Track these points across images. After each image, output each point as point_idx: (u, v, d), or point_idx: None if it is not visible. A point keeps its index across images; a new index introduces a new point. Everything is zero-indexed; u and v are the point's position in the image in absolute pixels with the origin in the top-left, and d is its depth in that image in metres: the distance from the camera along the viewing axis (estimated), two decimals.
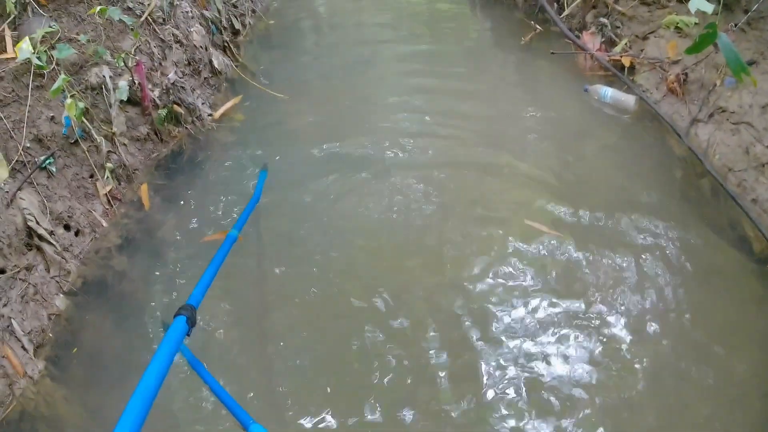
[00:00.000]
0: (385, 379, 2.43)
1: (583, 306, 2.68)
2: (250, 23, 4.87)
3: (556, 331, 2.60)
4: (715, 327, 2.57)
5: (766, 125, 3.21)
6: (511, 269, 2.87)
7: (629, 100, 3.87)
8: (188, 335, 1.61)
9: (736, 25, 3.29)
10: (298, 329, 2.66)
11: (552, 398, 2.34)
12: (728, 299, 2.71)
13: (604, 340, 2.54)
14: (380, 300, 2.74)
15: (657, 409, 2.29)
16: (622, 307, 2.67)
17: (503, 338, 2.57)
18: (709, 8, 2.80)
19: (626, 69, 4.02)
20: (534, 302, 2.71)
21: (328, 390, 2.42)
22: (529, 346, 2.53)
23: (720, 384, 2.35)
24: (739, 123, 3.37)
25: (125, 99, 3.18)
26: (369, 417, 2.29)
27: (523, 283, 2.80)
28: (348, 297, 2.78)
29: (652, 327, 2.57)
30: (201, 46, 3.80)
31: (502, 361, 2.48)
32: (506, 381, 2.40)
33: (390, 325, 2.63)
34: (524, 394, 2.36)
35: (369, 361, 2.49)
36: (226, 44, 4.22)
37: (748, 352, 2.47)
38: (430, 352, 2.52)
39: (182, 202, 3.31)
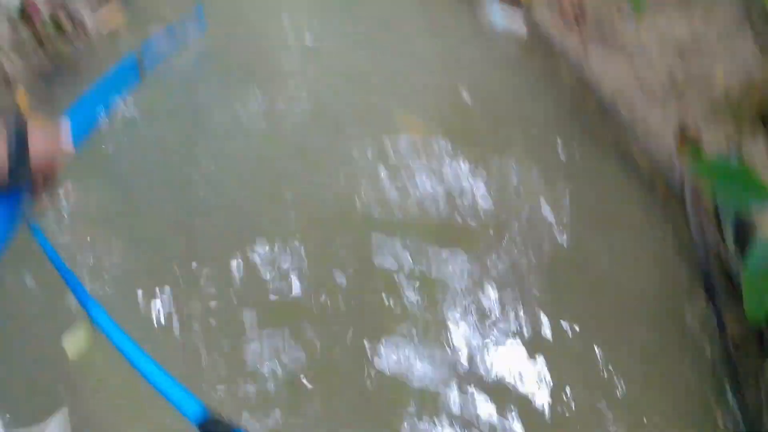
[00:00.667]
0: None
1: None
2: None
3: None
4: (597, 243, 2.50)
5: (660, 57, 3.18)
6: None
7: (521, 24, 3.67)
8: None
9: None
10: None
11: None
12: (610, 212, 2.69)
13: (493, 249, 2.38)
14: None
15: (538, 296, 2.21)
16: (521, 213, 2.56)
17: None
18: None
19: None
20: None
21: None
22: None
23: (613, 297, 2.28)
24: (633, 54, 3.29)
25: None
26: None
27: None
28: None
29: (529, 228, 2.49)
30: None
31: None
32: None
33: None
34: None
35: None
36: None
37: (629, 266, 2.42)
38: None
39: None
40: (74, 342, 2.00)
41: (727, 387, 1.95)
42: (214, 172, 2.70)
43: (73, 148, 1.06)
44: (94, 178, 2.51)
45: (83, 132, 1.15)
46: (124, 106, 2.85)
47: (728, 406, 1.93)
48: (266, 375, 1.96)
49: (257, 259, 2.32)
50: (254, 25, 3.59)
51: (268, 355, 2.01)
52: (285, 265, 2.29)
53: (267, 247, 2.35)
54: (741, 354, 2.02)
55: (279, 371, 1.97)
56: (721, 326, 2.12)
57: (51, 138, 0.96)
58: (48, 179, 0.98)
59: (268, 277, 2.26)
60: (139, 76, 1.56)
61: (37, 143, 0.90)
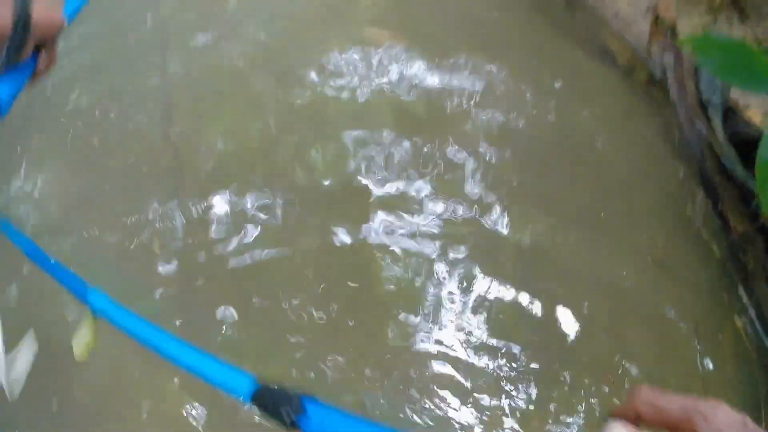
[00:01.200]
0: None
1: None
2: None
3: None
4: (587, 139, 2.40)
5: None
6: None
7: None
8: None
9: None
10: None
11: None
12: (596, 108, 2.54)
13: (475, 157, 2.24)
14: None
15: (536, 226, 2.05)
16: (489, 117, 2.39)
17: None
18: None
19: None
20: None
21: None
22: None
23: (599, 197, 2.16)
24: None
25: None
26: None
27: None
28: None
29: (517, 139, 2.33)
30: None
31: None
32: None
33: None
34: None
35: None
36: None
37: (625, 164, 2.33)
38: None
39: None
40: (79, 340, 1.88)
41: (739, 286, 1.93)
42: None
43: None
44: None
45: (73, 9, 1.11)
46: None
47: (742, 305, 1.93)
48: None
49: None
50: None
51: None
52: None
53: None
54: (748, 250, 2.01)
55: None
56: (725, 222, 2.12)
57: (53, 7, 0.95)
58: (48, 49, 0.97)
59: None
60: None
61: (41, 10, 0.89)
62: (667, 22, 2.71)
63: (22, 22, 0.86)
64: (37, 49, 0.95)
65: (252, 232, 2.00)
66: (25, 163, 2.18)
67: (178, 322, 1.81)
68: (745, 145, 2.19)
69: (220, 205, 2.07)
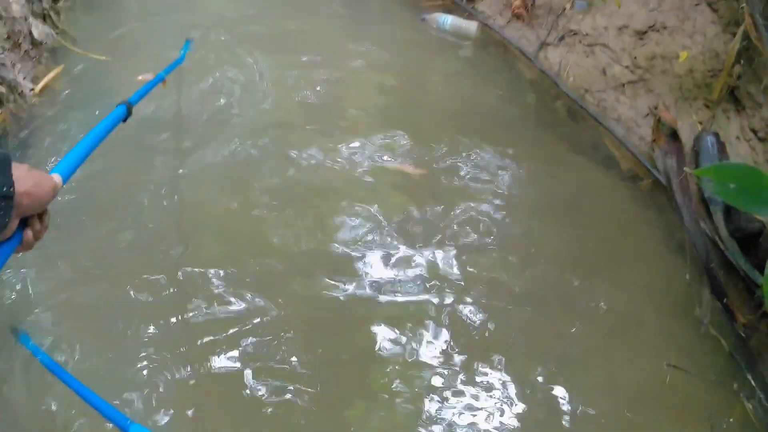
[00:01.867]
0: None
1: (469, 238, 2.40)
2: None
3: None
4: (594, 247, 2.43)
5: (622, 46, 3.14)
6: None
7: (471, 25, 3.64)
8: (124, 121, 1.59)
9: None
10: None
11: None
12: (603, 219, 2.58)
13: (483, 267, 2.27)
14: None
15: (546, 333, 2.07)
16: (502, 233, 2.43)
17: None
18: None
19: None
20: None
21: None
22: None
23: (612, 305, 2.18)
24: (593, 45, 3.27)
25: None
26: None
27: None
28: None
29: (530, 252, 2.36)
30: (21, 17, 3.51)
31: None
32: None
33: None
34: None
35: None
36: (45, 12, 3.84)
37: (634, 271, 2.34)
38: None
39: None
40: None
41: (747, 372, 1.97)
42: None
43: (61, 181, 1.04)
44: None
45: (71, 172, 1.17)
46: None
47: (751, 389, 1.93)
48: None
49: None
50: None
51: None
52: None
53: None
54: (753, 337, 2.04)
55: None
56: (731, 314, 2.10)
57: (36, 173, 0.92)
58: (35, 221, 0.95)
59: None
60: (126, 119, 1.62)
61: (22, 173, 0.87)
62: (667, 123, 2.74)
63: (3, 203, 0.83)
64: (24, 222, 0.93)
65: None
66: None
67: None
68: (747, 238, 2.20)
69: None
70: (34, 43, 3.60)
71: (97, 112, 3.02)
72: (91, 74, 3.42)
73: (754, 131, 2.42)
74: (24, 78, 3.32)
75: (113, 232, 2.30)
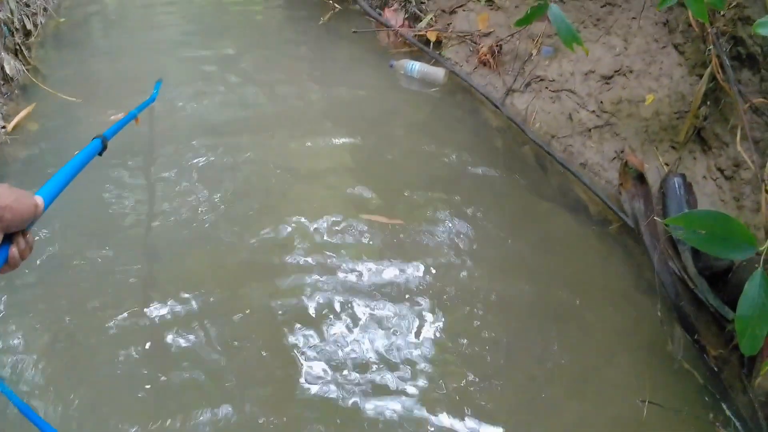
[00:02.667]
0: None
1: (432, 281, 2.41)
2: (41, 22, 4.55)
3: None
4: (565, 294, 2.41)
5: (589, 91, 3.17)
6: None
7: (438, 72, 3.65)
8: (100, 155, 1.65)
9: None
10: None
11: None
12: (572, 264, 2.57)
13: (457, 316, 2.27)
14: None
15: (518, 379, 2.06)
16: (472, 285, 2.40)
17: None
18: None
19: (432, 44, 3.78)
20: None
21: None
22: None
23: (583, 349, 2.18)
24: (559, 90, 3.29)
25: None
26: None
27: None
28: None
29: (500, 301, 2.35)
30: None
31: None
32: None
33: None
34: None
35: None
36: (17, 46, 3.90)
37: (605, 313, 2.34)
38: None
39: None
40: None
41: (723, 404, 1.97)
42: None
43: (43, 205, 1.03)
44: None
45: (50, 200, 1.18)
46: None
47: (726, 417, 1.93)
48: None
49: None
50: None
51: None
52: None
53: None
54: (724, 369, 2.04)
55: None
56: (703, 349, 2.10)
57: (17, 190, 0.94)
58: (19, 239, 0.97)
59: None
60: (102, 153, 1.69)
61: (3, 189, 0.89)
62: (634, 167, 2.72)
63: None
64: (9, 239, 0.94)
65: None
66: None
67: None
68: (716, 275, 2.18)
69: None
70: (6, 79, 3.63)
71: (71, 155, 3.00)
72: (63, 115, 3.44)
73: (721, 170, 2.41)
74: None
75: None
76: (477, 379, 2.02)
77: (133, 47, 4.42)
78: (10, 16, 3.95)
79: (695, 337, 2.11)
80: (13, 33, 3.93)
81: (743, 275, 2.00)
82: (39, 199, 1.01)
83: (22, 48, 3.97)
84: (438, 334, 2.16)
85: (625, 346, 2.20)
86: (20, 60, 3.88)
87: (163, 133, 3.23)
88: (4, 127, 3.25)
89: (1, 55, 3.63)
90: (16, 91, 3.63)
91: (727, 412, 1.94)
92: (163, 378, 1.96)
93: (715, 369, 2.04)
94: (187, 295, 2.23)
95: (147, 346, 2.06)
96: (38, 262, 2.34)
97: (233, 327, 2.14)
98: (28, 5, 4.40)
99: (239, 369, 2.00)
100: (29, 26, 4.26)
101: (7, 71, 3.61)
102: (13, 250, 0.95)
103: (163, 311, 2.18)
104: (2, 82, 3.59)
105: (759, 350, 1.53)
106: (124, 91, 3.62)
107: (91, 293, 2.25)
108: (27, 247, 0.98)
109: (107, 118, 3.08)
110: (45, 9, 4.78)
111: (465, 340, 2.16)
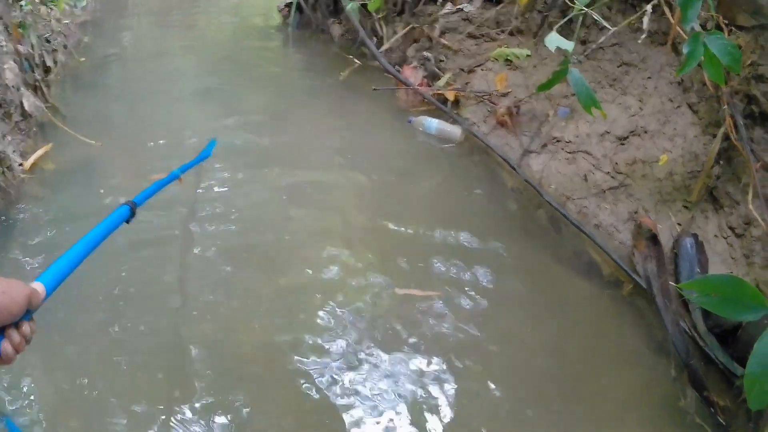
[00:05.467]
0: None
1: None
2: (61, 60, 4.74)
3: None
4: (579, 357, 2.43)
5: (604, 152, 3.23)
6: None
7: (455, 130, 3.77)
8: (127, 222, 1.60)
9: (579, 59, 3.36)
10: None
11: None
12: (586, 327, 2.60)
13: (470, 382, 2.28)
14: None
15: None
16: (485, 349, 2.42)
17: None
18: (570, 46, 2.71)
19: (450, 103, 3.91)
20: None
21: None
22: None
23: (597, 410, 2.21)
24: (575, 152, 3.36)
25: None
26: None
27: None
28: None
29: (514, 368, 2.35)
30: (13, 86, 3.66)
31: None
32: None
33: None
34: None
35: None
36: (37, 84, 4.02)
37: (619, 374, 2.36)
38: None
39: None
40: None
41: None
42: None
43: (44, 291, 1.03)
44: None
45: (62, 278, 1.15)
46: None
47: None
48: None
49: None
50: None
51: None
52: None
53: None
54: (734, 424, 2.07)
55: None
56: (711, 404, 2.12)
57: (5, 281, 0.92)
58: (13, 331, 0.94)
59: None
60: (129, 221, 1.65)
61: None
62: (647, 228, 2.76)
63: None
64: (1, 332, 0.93)
65: None
66: None
67: None
68: (726, 333, 2.23)
69: None
70: (24, 116, 3.70)
71: (86, 200, 3.14)
72: (81, 157, 3.53)
73: (732, 228, 2.44)
74: (13, 151, 3.39)
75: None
76: None
77: (151, 94, 4.57)
78: (31, 50, 4.08)
79: (704, 393, 2.14)
80: (33, 69, 4.05)
81: (752, 332, 2.04)
82: (38, 287, 1.00)
83: (42, 85, 4.08)
84: (450, 400, 2.18)
85: (638, 404, 2.22)
86: (39, 97, 3.97)
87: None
88: (21, 165, 3.32)
89: (21, 90, 3.71)
90: (34, 129, 3.74)
91: None
92: None
93: (724, 423, 2.06)
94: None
95: None
96: None
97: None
98: (48, 41, 4.55)
99: None
100: (49, 63, 4.39)
101: (26, 107, 3.68)
102: (5, 346, 0.92)
103: None
104: (21, 119, 3.65)
105: (766, 405, 1.57)
106: (141, 137, 3.74)
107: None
108: (22, 340, 0.95)
109: (149, 177, 3.03)
110: (65, 46, 4.96)
111: (478, 406, 2.17)
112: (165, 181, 2.26)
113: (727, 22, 2.67)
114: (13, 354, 0.93)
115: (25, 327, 0.96)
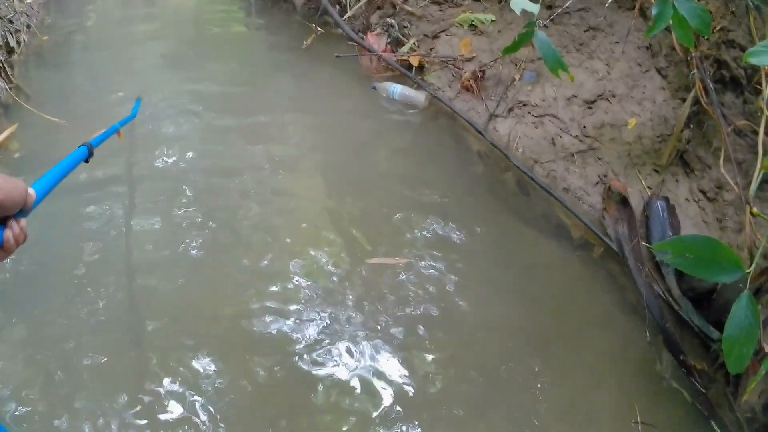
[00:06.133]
0: None
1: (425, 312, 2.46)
2: (24, 40, 4.60)
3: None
4: (552, 320, 2.48)
5: (572, 116, 3.25)
6: None
7: (419, 95, 3.75)
8: (86, 162, 1.68)
9: (545, 23, 3.35)
10: None
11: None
12: (558, 289, 2.64)
13: (443, 344, 2.32)
14: None
15: (507, 406, 2.11)
16: (458, 313, 2.46)
17: None
18: (536, 9, 2.66)
19: (415, 68, 3.87)
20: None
21: None
22: None
23: (570, 373, 2.25)
24: (542, 116, 3.38)
25: None
26: None
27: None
28: None
29: (486, 328, 2.41)
30: None
31: None
32: None
33: None
34: None
35: None
36: (1, 65, 3.92)
37: (591, 336, 2.42)
38: None
39: None
40: None
41: (711, 421, 2.05)
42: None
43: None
44: None
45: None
46: None
47: None
48: None
49: None
50: None
51: None
52: None
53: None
54: (711, 387, 2.12)
55: None
56: (688, 368, 2.16)
57: (6, 176, 0.97)
58: (12, 224, 1.00)
59: None
60: (88, 160, 1.72)
61: None
62: (617, 191, 2.80)
63: None
64: (3, 223, 0.98)
65: None
66: None
67: None
68: (701, 296, 2.26)
69: None
70: None
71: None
72: (46, 136, 3.44)
73: (704, 192, 2.49)
74: None
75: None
76: (465, 408, 2.06)
77: (115, 66, 4.48)
78: None
79: (681, 357, 2.18)
80: None
81: (727, 295, 2.08)
82: (31, 190, 1.04)
83: (5, 66, 3.97)
84: (425, 364, 2.21)
85: (612, 369, 2.26)
86: (3, 78, 3.88)
87: (145, 157, 3.28)
88: None
89: None
90: None
91: (716, 430, 2.01)
92: None
93: (702, 389, 2.10)
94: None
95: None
96: None
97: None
98: (11, 21, 4.44)
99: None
100: (12, 43, 4.29)
101: None
102: (8, 233, 0.98)
103: None
104: None
105: (745, 369, 1.62)
106: (106, 111, 3.65)
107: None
108: (21, 232, 1.01)
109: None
110: (28, 26, 4.83)
111: (453, 370, 2.20)
112: (109, 132, 2.33)
113: None
114: (13, 244, 0.99)
115: (23, 221, 1.02)
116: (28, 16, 4.94)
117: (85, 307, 2.34)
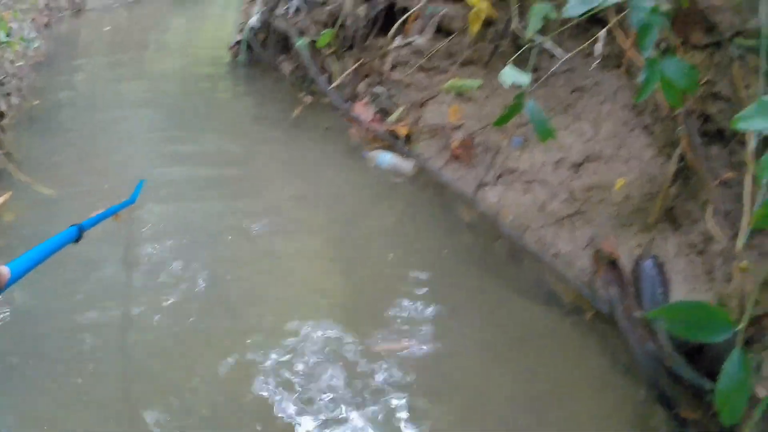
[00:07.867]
0: None
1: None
2: (15, 104, 4.71)
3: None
4: (547, 385, 2.45)
5: (560, 180, 3.25)
6: None
7: (407, 164, 3.77)
8: (75, 242, 1.73)
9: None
10: None
11: None
12: (551, 355, 2.61)
13: (437, 414, 2.30)
14: None
15: None
16: (451, 382, 2.45)
17: None
18: (526, 81, 2.55)
19: (403, 138, 3.91)
20: None
21: None
22: None
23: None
24: (531, 181, 3.38)
25: None
26: None
27: None
28: None
29: (479, 396, 2.38)
30: None
31: None
32: None
33: None
34: None
35: None
36: None
37: (586, 399, 2.39)
38: None
39: None
40: None
41: None
42: None
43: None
44: None
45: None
46: None
47: None
48: None
49: None
50: None
51: None
52: None
53: None
54: None
55: None
56: (682, 421, 2.18)
57: None
58: None
59: None
60: (77, 241, 1.79)
61: None
62: (606, 252, 2.75)
63: None
64: None
65: None
66: None
67: None
68: (692, 350, 2.25)
69: None
70: None
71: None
72: (41, 206, 3.48)
73: (692, 245, 2.46)
74: None
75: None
76: None
77: (106, 136, 4.56)
78: None
79: (674, 411, 2.19)
80: None
81: (716, 347, 2.03)
82: (4, 269, 1.05)
83: None
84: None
85: (609, 427, 2.24)
86: None
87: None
88: None
89: None
90: None
91: None
92: None
93: None
94: None
95: None
96: None
97: None
98: (2, 84, 4.52)
99: None
100: (3, 107, 4.34)
101: None
102: None
103: None
104: None
105: (738, 421, 1.63)
106: (97, 183, 3.73)
107: None
108: None
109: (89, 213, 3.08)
110: (19, 89, 4.92)
111: None
112: (106, 214, 2.39)
113: (681, 40, 2.72)
114: None
115: None
116: (20, 78, 5.06)
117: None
